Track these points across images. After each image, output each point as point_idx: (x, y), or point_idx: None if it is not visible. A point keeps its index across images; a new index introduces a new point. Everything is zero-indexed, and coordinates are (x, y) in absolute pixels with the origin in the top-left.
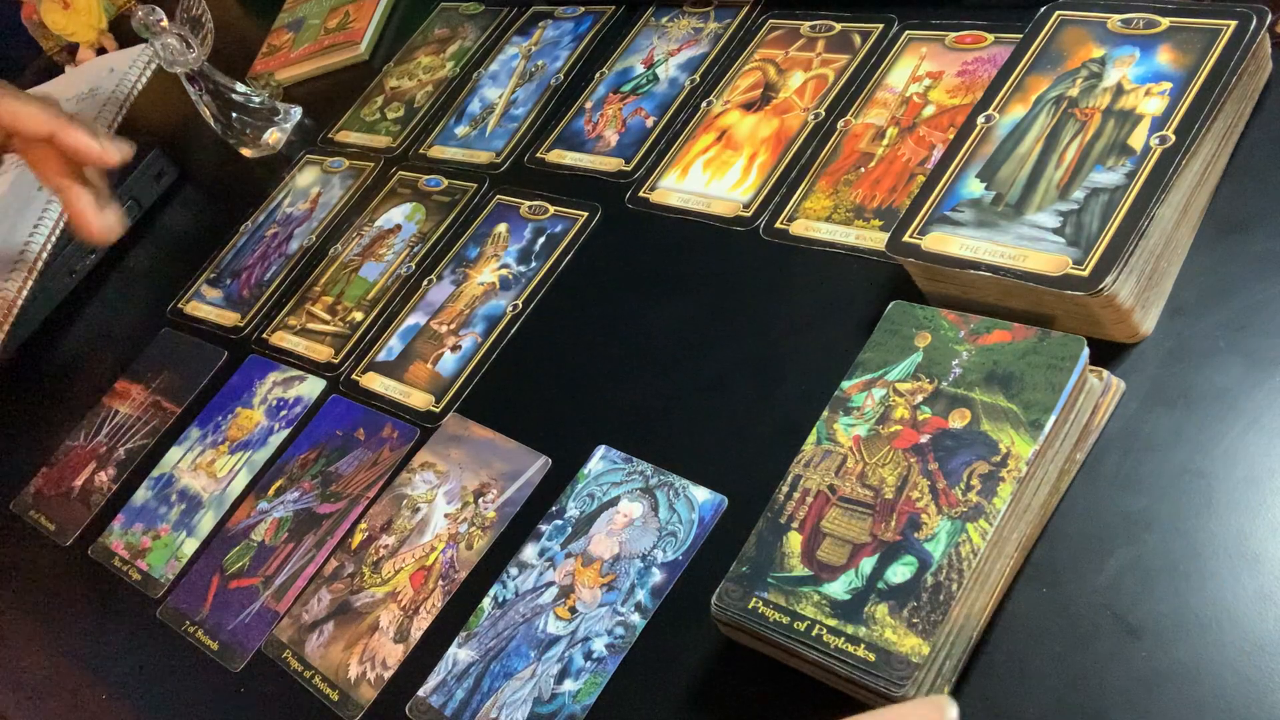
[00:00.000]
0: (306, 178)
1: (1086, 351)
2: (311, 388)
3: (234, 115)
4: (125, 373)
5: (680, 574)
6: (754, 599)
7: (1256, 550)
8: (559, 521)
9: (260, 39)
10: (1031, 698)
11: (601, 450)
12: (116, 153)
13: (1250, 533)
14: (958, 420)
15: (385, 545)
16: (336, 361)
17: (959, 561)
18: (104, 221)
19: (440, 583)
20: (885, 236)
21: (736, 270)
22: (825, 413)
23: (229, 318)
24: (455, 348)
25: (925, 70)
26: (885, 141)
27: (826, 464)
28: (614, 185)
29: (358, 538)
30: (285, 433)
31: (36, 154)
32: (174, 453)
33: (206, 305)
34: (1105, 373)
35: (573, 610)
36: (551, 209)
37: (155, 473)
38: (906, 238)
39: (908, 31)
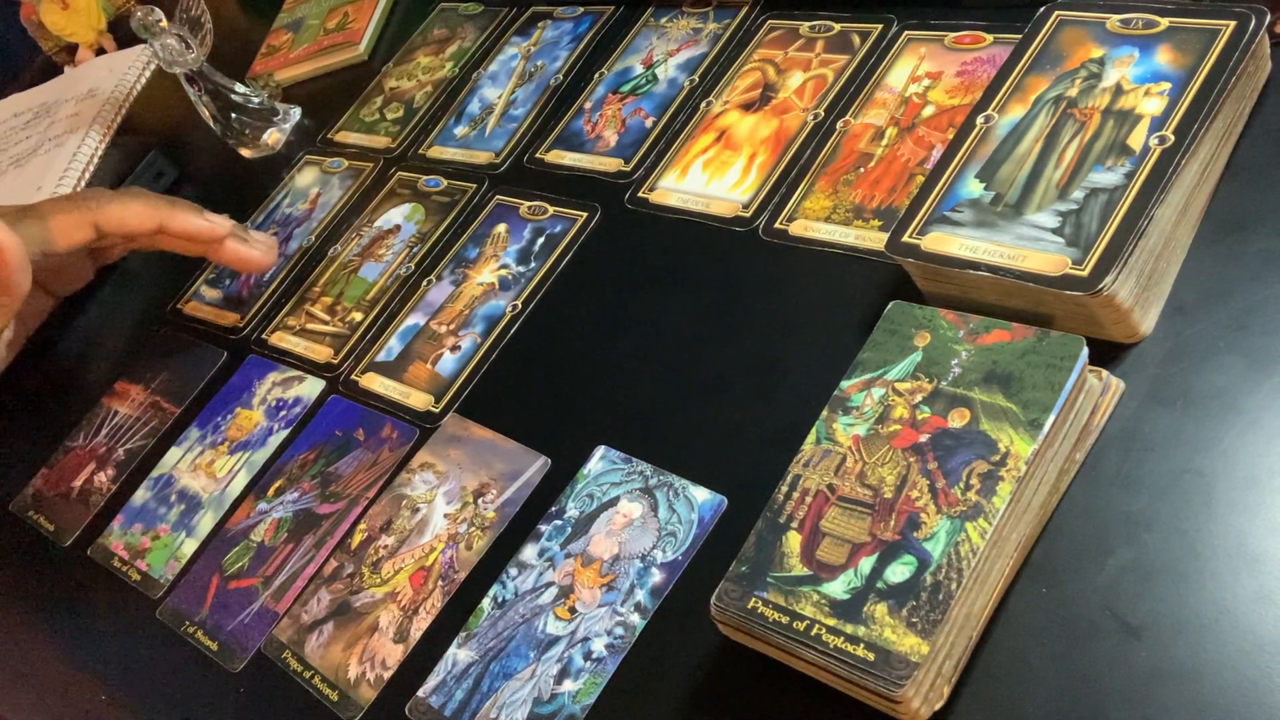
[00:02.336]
0: (305, 178)
1: (1086, 351)
2: (311, 388)
3: (233, 116)
4: (124, 373)
5: (680, 574)
6: (753, 599)
7: (1256, 550)
8: (558, 522)
9: (259, 39)
10: (1031, 697)
11: (601, 450)
12: (226, 222)
13: (1250, 532)
14: (957, 420)
15: (385, 545)
16: (336, 362)
17: (958, 561)
18: (254, 254)
19: (440, 583)
20: (884, 237)
21: (736, 270)
22: (824, 412)
23: (228, 318)
24: (455, 348)
25: (924, 70)
26: (884, 142)
27: (826, 463)
28: (613, 185)
29: (357, 538)
30: (284, 433)
31: (155, 241)
32: (173, 453)
33: (206, 305)
34: (1104, 372)
35: (572, 610)
36: (551, 209)
37: (154, 473)
38: (906, 238)
39: (907, 32)
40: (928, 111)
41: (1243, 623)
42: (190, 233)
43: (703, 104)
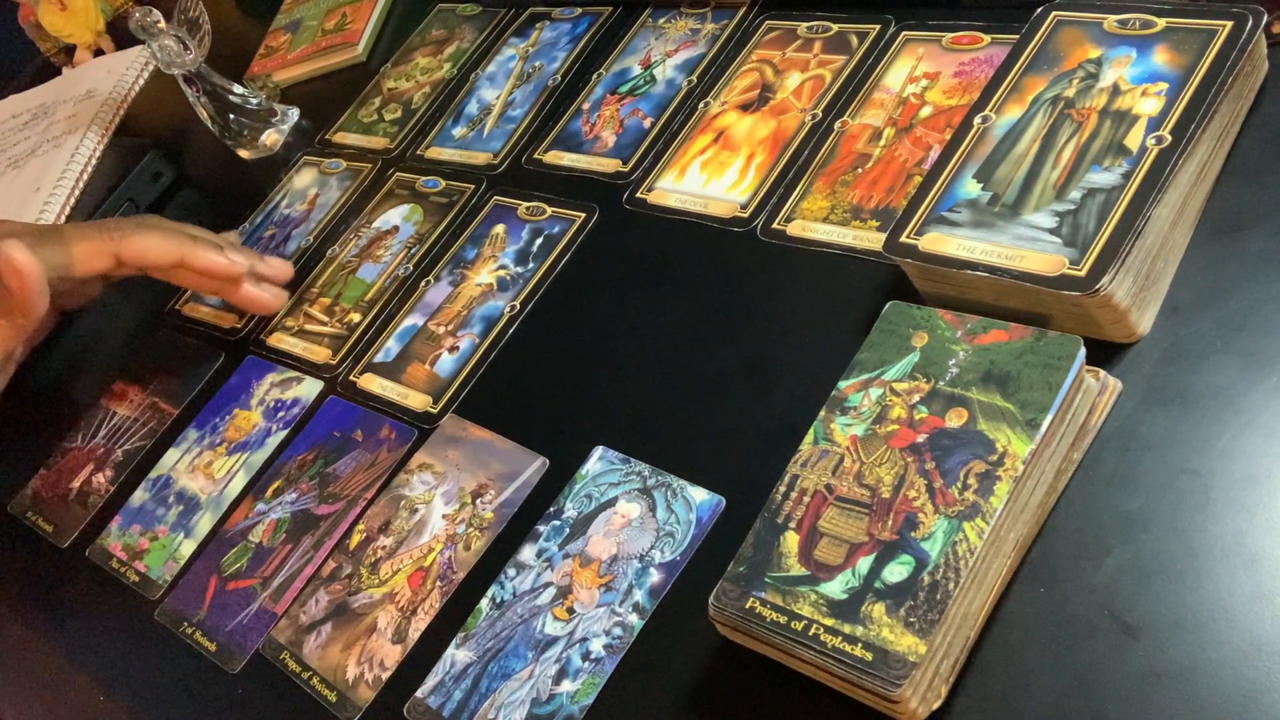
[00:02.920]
0: (304, 179)
1: (1083, 351)
2: (309, 389)
3: (231, 117)
4: (123, 374)
5: (678, 574)
6: (751, 599)
7: (1254, 550)
8: (557, 522)
9: (258, 40)
10: (1029, 697)
11: (599, 451)
12: (244, 261)
13: (1247, 532)
14: (954, 420)
15: (383, 546)
16: (334, 363)
17: (956, 561)
18: (265, 298)
19: (438, 583)
20: (882, 237)
21: (734, 271)
22: (822, 412)
23: (226, 319)
24: (453, 349)
25: (922, 71)
26: (882, 142)
27: (823, 464)
28: (611, 186)
29: (355, 539)
30: (283, 434)
31: (171, 275)
32: (171, 454)
33: (204, 306)
34: (1102, 372)
35: (570, 611)
36: (549, 210)
37: (153, 474)
38: (903, 238)
39: (905, 32)
40: (925, 112)
41: (1240, 622)
42: (209, 269)
43: (701, 105)
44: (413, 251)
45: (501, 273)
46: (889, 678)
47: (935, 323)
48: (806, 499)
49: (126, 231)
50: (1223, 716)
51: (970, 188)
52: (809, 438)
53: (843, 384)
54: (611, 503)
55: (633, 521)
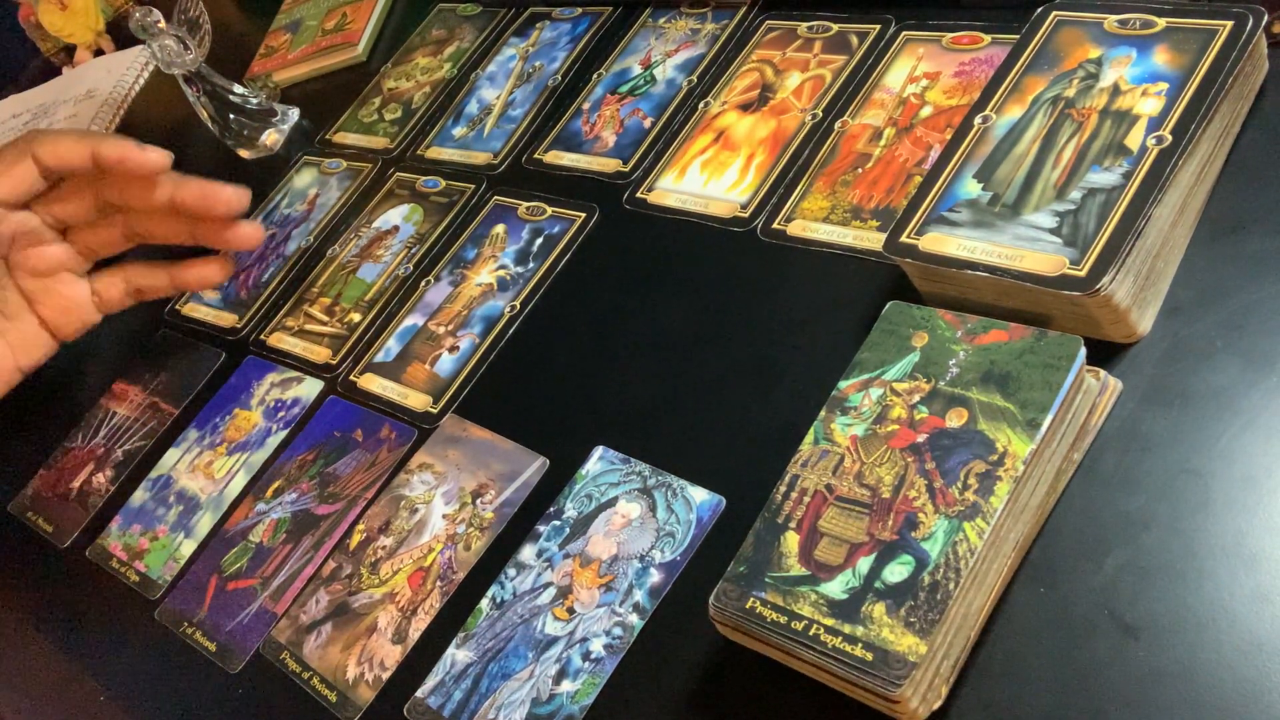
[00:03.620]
0: (304, 179)
1: (1083, 351)
2: (309, 389)
3: (231, 116)
4: (123, 374)
5: (678, 574)
6: (751, 599)
7: (1254, 549)
8: (557, 522)
9: (258, 40)
10: (1029, 697)
11: (599, 451)
12: (162, 154)
13: (1247, 532)
14: (955, 420)
15: (383, 546)
16: (334, 363)
17: (956, 561)
18: (208, 272)
19: (438, 584)
20: (882, 237)
21: (734, 271)
22: (822, 412)
23: (226, 319)
24: (453, 349)
25: (922, 71)
26: (882, 142)
27: (824, 464)
28: (611, 186)
29: (355, 539)
30: (283, 434)
31: (129, 225)
32: (172, 454)
33: (204, 306)
34: (1102, 372)
35: (571, 611)
36: (549, 210)
37: (153, 474)
38: (904, 238)
39: (905, 32)
40: (925, 112)
41: (1240, 622)
42: (121, 155)
43: (701, 104)
44: (413, 251)
45: (501, 273)
46: (889, 678)
47: (935, 323)
48: (807, 499)
49: (39, 134)
50: (1223, 716)
51: (970, 188)
52: (809, 438)
53: (843, 384)
54: (612, 503)
55: (633, 521)
